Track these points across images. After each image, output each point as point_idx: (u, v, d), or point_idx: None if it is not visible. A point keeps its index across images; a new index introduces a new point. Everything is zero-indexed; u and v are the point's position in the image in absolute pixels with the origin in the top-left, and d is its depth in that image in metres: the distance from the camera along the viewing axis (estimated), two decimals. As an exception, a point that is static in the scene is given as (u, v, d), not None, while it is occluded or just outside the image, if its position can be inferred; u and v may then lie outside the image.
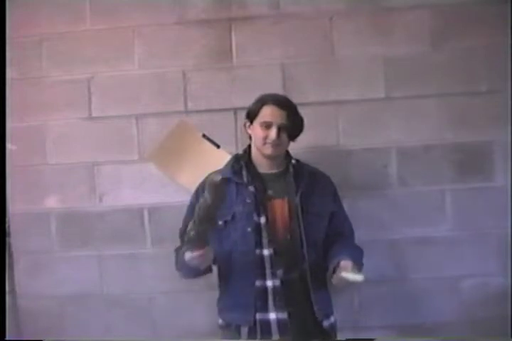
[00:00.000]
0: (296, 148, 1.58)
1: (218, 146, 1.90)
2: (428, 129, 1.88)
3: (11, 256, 1.93)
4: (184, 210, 1.56)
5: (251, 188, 1.47)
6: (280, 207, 1.47)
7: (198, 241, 1.29)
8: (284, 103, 1.46)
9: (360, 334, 1.85)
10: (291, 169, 1.52)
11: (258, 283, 1.45)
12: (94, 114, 1.93)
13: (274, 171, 1.52)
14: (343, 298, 1.77)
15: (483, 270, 1.87)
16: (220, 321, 1.53)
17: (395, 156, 1.89)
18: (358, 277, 1.30)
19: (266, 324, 1.44)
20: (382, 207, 1.87)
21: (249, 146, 1.56)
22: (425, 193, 1.88)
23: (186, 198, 1.59)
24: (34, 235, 1.93)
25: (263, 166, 1.52)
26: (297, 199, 1.46)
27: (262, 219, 1.45)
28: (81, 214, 1.93)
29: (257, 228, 1.45)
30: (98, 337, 1.88)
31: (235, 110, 1.88)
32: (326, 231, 1.53)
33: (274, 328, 1.43)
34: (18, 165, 1.93)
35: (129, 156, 1.92)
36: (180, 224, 1.54)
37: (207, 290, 1.77)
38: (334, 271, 1.39)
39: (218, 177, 1.25)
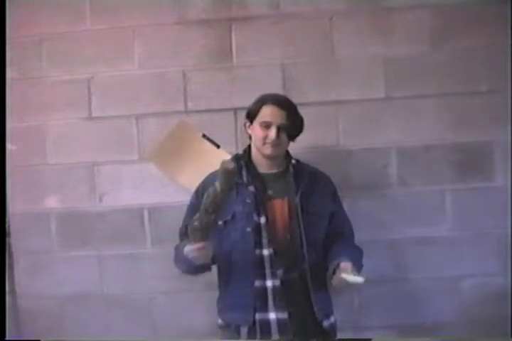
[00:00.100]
0: (296, 148, 1.58)
1: (218, 146, 1.90)
2: (428, 129, 1.88)
3: (11, 256, 1.93)
4: (184, 210, 1.56)
5: (251, 188, 1.46)
6: (280, 207, 1.47)
7: (200, 232, 1.30)
8: (283, 103, 1.46)
9: (360, 334, 1.85)
10: (291, 169, 1.51)
11: (258, 283, 1.45)
12: (94, 114, 1.93)
13: (274, 171, 1.52)
14: (343, 298, 1.76)
15: (483, 270, 1.87)
16: (220, 321, 1.53)
17: (395, 156, 1.88)
18: (357, 279, 1.30)
19: (266, 324, 1.43)
20: (382, 207, 1.87)
21: (249, 146, 1.56)
22: (425, 193, 1.88)
23: (186, 198, 1.59)
24: (34, 235, 1.93)
25: (263, 166, 1.52)
26: (297, 199, 1.46)
27: (262, 219, 1.45)
28: (81, 214, 1.93)
29: (257, 228, 1.44)
30: (98, 337, 1.88)
31: (235, 110, 1.88)
32: (325, 232, 1.53)
33: (273, 328, 1.43)
34: (18, 165, 1.93)
35: (129, 156, 1.92)
36: (180, 224, 1.54)
37: (207, 290, 1.77)
38: (334, 272, 1.39)
39: (232, 165, 1.25)
